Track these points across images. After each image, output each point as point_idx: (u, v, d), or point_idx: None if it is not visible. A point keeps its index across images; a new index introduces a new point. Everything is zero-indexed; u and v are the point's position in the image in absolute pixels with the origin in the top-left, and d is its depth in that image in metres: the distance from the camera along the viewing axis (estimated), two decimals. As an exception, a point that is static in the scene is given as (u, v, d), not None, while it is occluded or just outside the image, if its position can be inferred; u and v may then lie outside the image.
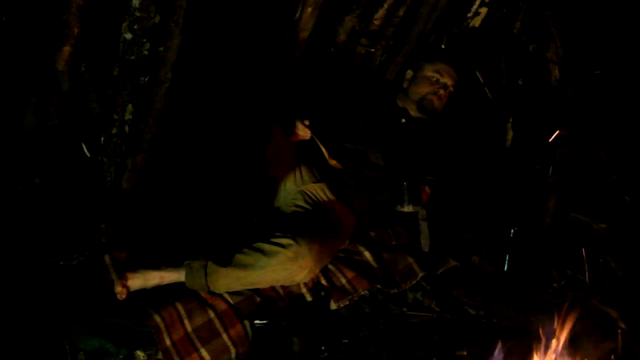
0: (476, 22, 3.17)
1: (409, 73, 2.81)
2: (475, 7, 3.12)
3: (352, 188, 2.58)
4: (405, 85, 2.80)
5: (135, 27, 2.10)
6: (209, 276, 2.18)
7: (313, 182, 2.57)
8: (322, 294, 2.27)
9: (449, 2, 3.00)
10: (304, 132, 2.41)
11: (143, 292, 2.17)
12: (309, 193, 2.53)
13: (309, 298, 2.28)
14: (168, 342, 2.04)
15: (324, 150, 2.45)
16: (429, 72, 2.74)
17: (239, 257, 2.20)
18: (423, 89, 2.73)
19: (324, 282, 2.32)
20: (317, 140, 2.42)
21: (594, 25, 2.90)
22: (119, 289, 2.12)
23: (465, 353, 2.21)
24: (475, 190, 2.96)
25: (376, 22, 2.89)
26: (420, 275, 2.50)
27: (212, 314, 2.14)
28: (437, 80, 2.72)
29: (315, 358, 2.13)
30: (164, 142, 2.40)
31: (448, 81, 2.73)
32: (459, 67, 2.80)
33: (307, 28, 2.67)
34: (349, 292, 2.33)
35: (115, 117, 2.26)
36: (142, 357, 2.04)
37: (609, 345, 2.14)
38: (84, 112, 2.29)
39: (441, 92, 2.72)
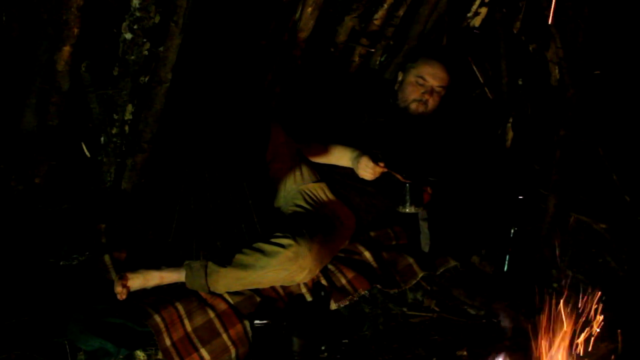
0: (476, 22, 3.17)
1: (400, 75, 2.78)
2: (475, 7, 3.12)
3: (352, 188, 2.58)
4: (396, 87, 2.77)
5: (135, 27, 2.10)
6: (209, 276, 2.18)
7: (313, 182, 2.57)
8: (322, 294, 2.27)
9: (449, 2, 3.00)
10: (380, 170, 2.44)
11: (143, 292, 2.17)
12: (309, 192, 2.53)
13: (309, 298, 2.28)
14: (168, 342, 2.04)
15: (399, 176, 2.44)
16: (412, 77, 2.68)
17: (239, 257, 2.20)
18: (409, 95, 2.68)
19: (324, 282, 2.32)
20: (393, 173, 2.44)
21: (594, 25, 2.90)
22: (119, 289, 2.12)
23: (465, 353, 2.21)
24: (476, 190, 2.96)
25: (376, 22, 2.89)
26: (420, 275, 2.50)
27: (212, 314, 2.14)
28: (422, 85, 2.65)
29: (315, 358, 2.13)
30: (164, 142, 2.40)
31: (433, 83, 2.65)
32: (448, 63, 2.71)
33: (307, 28, 2.67)
34: (349, 292, 2.33)
35: (115, 117, 2.26)
36: (142, 357, 2.04)
37: (609, 346, 2.14)
38: (84, 112, 2.29)
39: (426, 97, 2.66)
